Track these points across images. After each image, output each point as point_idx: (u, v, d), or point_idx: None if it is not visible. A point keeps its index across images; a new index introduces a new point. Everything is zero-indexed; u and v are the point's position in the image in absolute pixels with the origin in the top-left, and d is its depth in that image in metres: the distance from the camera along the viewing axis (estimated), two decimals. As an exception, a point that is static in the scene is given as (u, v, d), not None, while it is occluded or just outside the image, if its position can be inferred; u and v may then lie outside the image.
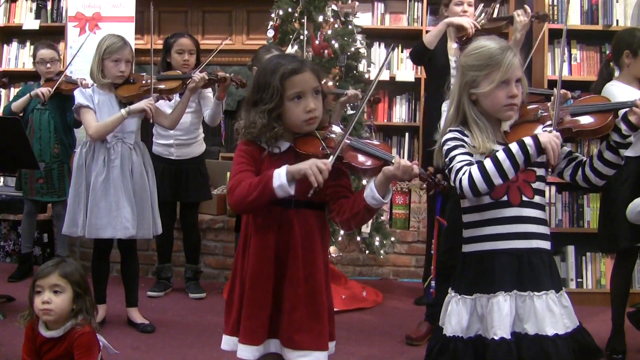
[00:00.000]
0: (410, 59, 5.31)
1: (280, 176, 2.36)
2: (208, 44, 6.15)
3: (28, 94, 5.13)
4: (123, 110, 4.08)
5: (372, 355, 4.04)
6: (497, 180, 2.41)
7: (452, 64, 4.86)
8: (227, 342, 2.60)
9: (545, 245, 2.57)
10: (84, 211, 4.11)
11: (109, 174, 4.11)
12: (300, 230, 2.50)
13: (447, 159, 2.55)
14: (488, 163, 2.41)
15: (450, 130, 2.61)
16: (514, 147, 2.41)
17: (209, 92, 5.04)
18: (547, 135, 2.40)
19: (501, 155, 2.41)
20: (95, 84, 4.23)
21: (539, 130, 2.54)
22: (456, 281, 2.64)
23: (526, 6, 4.67)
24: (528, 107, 2.66)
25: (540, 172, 2.58)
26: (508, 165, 2.39)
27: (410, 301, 5.21)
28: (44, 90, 5.02)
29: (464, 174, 2.44)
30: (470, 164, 2.48)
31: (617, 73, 4.10)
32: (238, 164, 2.52)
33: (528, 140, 2.40)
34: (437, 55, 4.91)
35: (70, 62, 5.34)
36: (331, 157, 2.39)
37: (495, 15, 6.12)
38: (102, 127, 4.09)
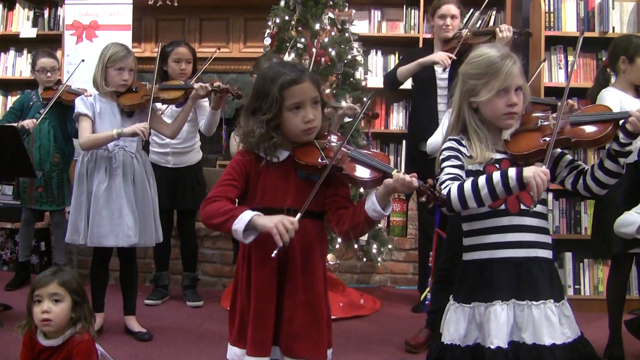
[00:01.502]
0: (383, 85, 5.32)
1: (241, 220, 2.32)
2: (205, 51, 6.14)
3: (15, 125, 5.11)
4: (115, 131, 4.07)
5: (370, 362, 4.03)
6: (472, 204, 2.40)
7: (438, 75, 4.89)
8: (230, 351, 2.61)
9: (546, 254, 2.55)
10: (85, 219, 4.11)
11: (111, 182, 4.11)
12: (299, 240, 2.49)
13: (439, 169, 2.56)
14: (467, 185, 2.40)
15: (449, 139, 2.61)
16: (495, 176, 2.37)
17: (204, 102, 5.03)
18: (533, 170, 2.33)
19: (481, 181, 2.38)
20: (97, 93, 4.24)
21: (539, 140, 2.53)
22: (456, 289, 2.64)
23: (509, 26, 4.68)
24: (531, 115, 2.64)
25: None
26: (485, 192, 2.37)
27: (408, 308, 5.21)
28: (28, 123, 5.02)
29: (445, 188, 2.44)
30: (455, 178, 2.47)
31: (613, 79, 4.12)
32: (226, 174, 2.52)
33: (512, 172, 2.35)
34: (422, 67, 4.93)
35: (69, 78, 5.31)
36: (298, 214, 2.35)
37: (491, 22, 6.18)
38: (92, 140, 4.10)
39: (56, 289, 2.73)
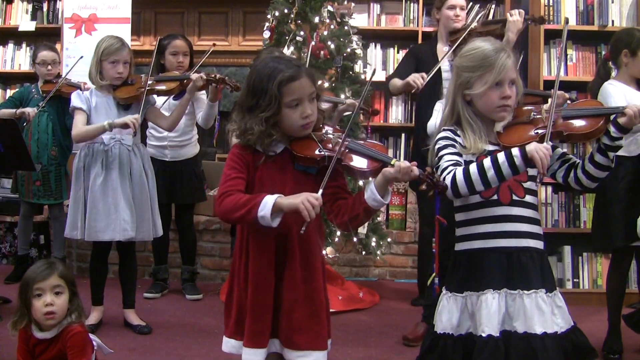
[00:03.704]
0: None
1: (266, 206, 2.35)
2: (204, 45, 6.13)
3: (14, 111, 5.13)
4: (106, 122, 4.05)
5: (369, 356, 4.03)
6: (479, 187, 2.42)
7: (444, 67, 4.85)
8: (227, 344, 2.62)
9: (537, 244, 2.57)
10: (83, 214, 4.11)
11: (108, 176, 4.10)
12: (297, 232, 2.51)
13: (436, 158, 2.57)
14: (473, 168, 2.42)
15: (444, 130, 2.62)
16: (500, 156, 2.40)
17: (202, 94, 5.02)
18: (534, 145, 2.38)
19: (487, 163, 2.41)
20: (94, 87, 4.23)
21: (531, 132, 2.55)
22: (448, 279, 2.66)
23: (521, 10, 4.65)
24: (523, 109, 2.67)
25: (532, 172, 2.57)
26: (492, 174, 2.39)
27: (407, 302, 5.21)
28: (30, 112, 5.04)
29: (448, 173, 2.45)
30: (457, 164, 2.49)
31: (614, 73, 4.11)
32: (230, 169, 2.52)
33: (515, 150, 2.39)
34: (427, 59, 4.89)
35: (68, 72, 5.31)
36: (320, 189, 2.39)
37: (490, 17, 6.17)
38: (83, 132, 4.10)
39: (57, 281, 2.73)
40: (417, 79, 4.54)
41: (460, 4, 4.89)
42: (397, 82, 4.86)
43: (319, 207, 2.33)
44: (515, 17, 4.52)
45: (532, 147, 2.36)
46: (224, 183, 2.50)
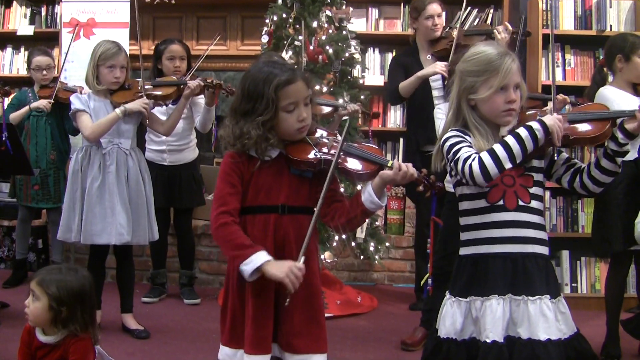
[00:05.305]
0: (388, 101, 5.34)
1: (250, 264, 2.38)
2: (203, 49, 6.13)
3: (27, 106, 5.16)
4: (118, 110, 4.08)
5: (367, 360, 4.04)
6: (507, 164, 2.42)
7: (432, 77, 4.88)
8: (221, 352, 2.60)
9: (542, 250, 2.56)
10: (79, 217, 4.11)
11: (104, 179, 4.10)
12: (295, 236, 2.50)
13: (449, 154, 2.53)
14: (498, 148, 2.43)
15: (452, 130, 2.60)
16: (522, 131, 2.43)
17: (200, 99, 5.01)
18: (552, 118, 2.43)
19: (510, 140, 2.43)
20: (90, 91, 4.23)
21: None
22: (452, 283, 2.65)
23: (507, 25, 4.71)
24: (527, 113, 2.67)
25: (538, 177, 2.59)
26: (517, 149, 2.41)
27: (405, 306, 5.21)
28: (45, 103, 5.07)
29: (473, 160, 2.43)
30: (477, 153, 2.48)
31: (610, 78, 4.12)
32: (224, 182, 2.52)
33: (535, 124, 2.43)
34: (413, 69, 4.91)
35: (62, 68, 5.33)
36: (302, 257, 2.42)
37: (488, 21, 6.17)
38: (97, 127, 4.09)
39: (34, 286, 2.70)
40: (445, 70, 4.59)
41: (437, 12, 4.94)
42: (407, 82, 4.86)
43: (302, 277, 2.37)
44: (503, 35, 4.60)
45: (551, 121, 2.42)
46: (218, 199, 2.50)
